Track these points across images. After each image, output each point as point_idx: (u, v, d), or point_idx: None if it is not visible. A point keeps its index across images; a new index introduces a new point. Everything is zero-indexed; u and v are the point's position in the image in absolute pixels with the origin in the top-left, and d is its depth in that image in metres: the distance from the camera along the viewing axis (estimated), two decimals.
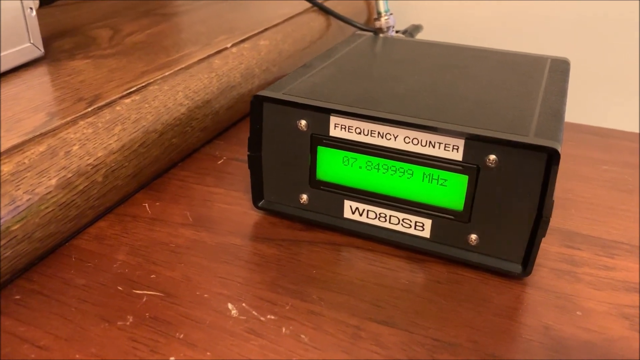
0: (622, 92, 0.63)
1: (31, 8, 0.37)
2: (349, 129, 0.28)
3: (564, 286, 0.27)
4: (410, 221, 0.28)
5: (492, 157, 0.25)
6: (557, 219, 0.31)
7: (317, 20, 0.53)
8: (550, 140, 0.24)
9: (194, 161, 0.38)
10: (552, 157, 0.24)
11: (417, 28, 0.55)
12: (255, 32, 0.45)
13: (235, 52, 0.42)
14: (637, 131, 0.43)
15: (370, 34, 0.41)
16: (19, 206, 0.25)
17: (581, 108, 0.56)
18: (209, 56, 0.40)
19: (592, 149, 0.40)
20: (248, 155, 0.30)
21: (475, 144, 0.25)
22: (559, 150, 0.23)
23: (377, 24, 0.53)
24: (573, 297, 0.26)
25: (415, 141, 0.26)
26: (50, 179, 0.27)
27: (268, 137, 0.30)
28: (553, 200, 0.24)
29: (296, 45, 0.48)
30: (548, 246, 0.29)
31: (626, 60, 0.62)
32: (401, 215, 0.28)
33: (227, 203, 0.33)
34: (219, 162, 0.38)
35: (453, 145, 0.26)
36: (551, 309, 0.25)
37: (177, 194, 0.34)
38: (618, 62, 0.62)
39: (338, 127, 0.28)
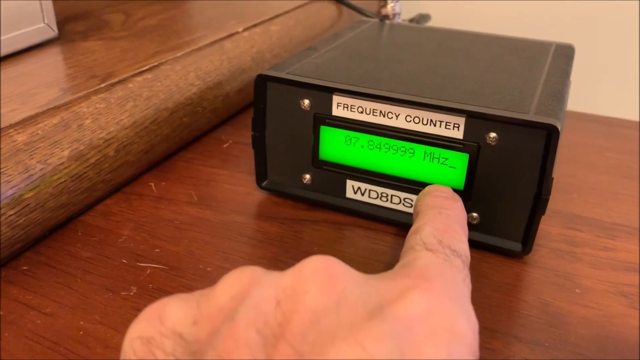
0: (626, 81, 0.63)
1: None
2: (351, 108, 0.28)
3: (564, 265, 0.27)
4: (412, 200, 0.29)
5: (493, 134, 0.25)
6: (559, 203, 0.31)
7: (329, 9, 0.53)
8: (550, 117, 0.24)
9: (200, 144, 0.38)
10: (551, 134, 0.24)
11: (424, 17, 0.55)
12: (267, 17, 0.46)
13: (247, 36, 0.42)
14: None
15: (376, 20, 0.41)
16: (32, 175, 0.26)
17: (585, 97, 0.56)
18: (220, 39, 0.40)
19: (596, 136, 0.40)
20: (252, 135, 0.31)
21: (476, 122, 0.25)
22: (559, 127, 0.24)
23: (383, 11, 0.53)
24: (572, 276, 0.26)
25: (416, 120, 0.27)
26: (63, 150, 0.28)
27: (272, 117, 0.30)
28: (552, 179, 0.25)
29: (307, 32, 0.49)
30: (549, 228, 0.29)
31: (629, 51, 0.62)
32: (402, 195, 0.29)
33: (232, 184, 0.33)
34: (225, 145, 0.38)
35: (454, 124, 0.26)
36: (550, 286, 0.25)
37: (182, 174, 0.34)
38: (621, 52, 0.62)
39: (340, 107, 0.28)
